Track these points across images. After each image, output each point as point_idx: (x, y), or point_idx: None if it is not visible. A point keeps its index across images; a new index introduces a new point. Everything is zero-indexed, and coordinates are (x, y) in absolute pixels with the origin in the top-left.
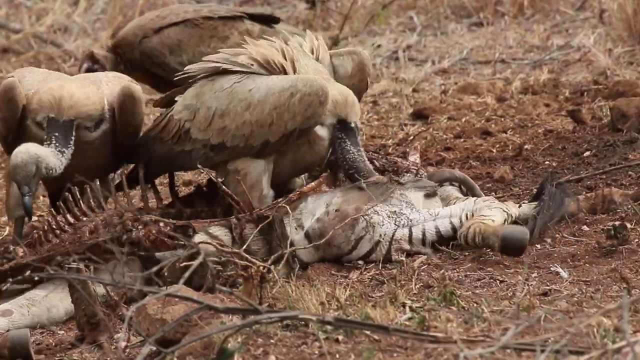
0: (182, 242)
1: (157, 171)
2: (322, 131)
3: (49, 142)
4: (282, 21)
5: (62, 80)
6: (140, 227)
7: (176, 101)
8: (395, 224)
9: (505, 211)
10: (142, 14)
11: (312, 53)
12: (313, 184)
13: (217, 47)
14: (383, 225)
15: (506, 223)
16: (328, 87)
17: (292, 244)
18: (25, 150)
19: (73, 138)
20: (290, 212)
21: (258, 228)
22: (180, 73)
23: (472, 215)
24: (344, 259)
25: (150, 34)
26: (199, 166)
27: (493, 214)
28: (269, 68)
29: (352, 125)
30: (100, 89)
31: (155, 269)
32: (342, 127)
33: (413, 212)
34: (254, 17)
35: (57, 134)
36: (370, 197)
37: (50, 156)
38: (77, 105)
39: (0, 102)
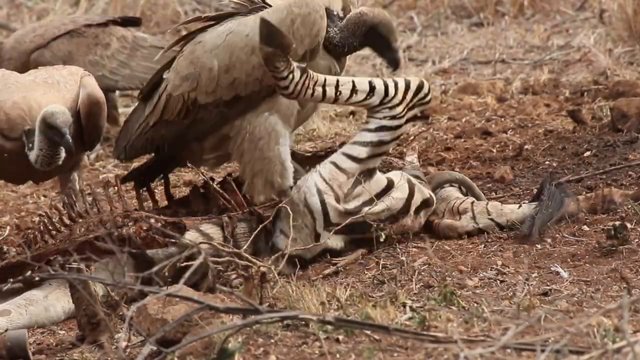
0: (174, 240)
1: (170, 154)
2: None
3: (38, 147)
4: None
5: (23, 89)
6: (130, 223)
7: (163, 79)
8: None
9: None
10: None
11: None
12: None
13: (102, 54)
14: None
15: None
16: None
17: (274, 246)
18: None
19: None
20: (288, 215)
21: (257, 229)
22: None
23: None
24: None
25: (42, 48)
26: (189, 165)
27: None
28: (247, 3)
29: (334, 12)
30: (61, 93)
31: (155, 269)
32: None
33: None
34: (121, 22)
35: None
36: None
37: None
38: (40, 110)
39: None
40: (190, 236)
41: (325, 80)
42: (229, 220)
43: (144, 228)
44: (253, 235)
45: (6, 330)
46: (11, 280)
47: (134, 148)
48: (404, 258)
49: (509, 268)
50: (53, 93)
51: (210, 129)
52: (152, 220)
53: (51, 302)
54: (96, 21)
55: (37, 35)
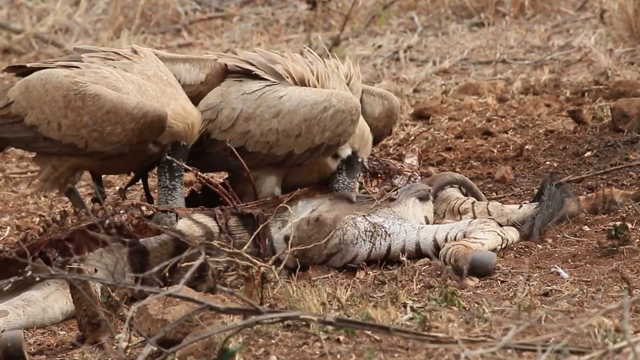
0: (166, 227)
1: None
2: (332, 163)
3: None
4: None
5: (174, 98)
6: (122, 211)
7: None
8: (370, 242)
9: (500, 235)
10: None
11: (346, 78)
12: (306, 188)
13: None
14: (357, 244)
15: (500, 248)
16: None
17: (272, 244)
18: None
19: None
20: (275, 215)
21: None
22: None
23: (464, 235)
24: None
25: None
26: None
27: (485, 237)
28: (301, 85)
29: (359, 160)
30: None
31: (156, 269)
32: (347, 159)
33: (394, 225)
34: None
35: (180, 160)
36: (356, 209)
37: None
38: (198, 128)
39: (148, 131)
40: (183, 224)
41: None
42: (222, 213)
43: (136, 215)
44: (253, 236)
45: (2, 331)
46: (12, 280)
47: None
48: (404, 258)
49: (509, 268)
50: (189, 101)
51: (211, 169)
52: (144, 208)
53: (50, 303)
54: None
55: None
